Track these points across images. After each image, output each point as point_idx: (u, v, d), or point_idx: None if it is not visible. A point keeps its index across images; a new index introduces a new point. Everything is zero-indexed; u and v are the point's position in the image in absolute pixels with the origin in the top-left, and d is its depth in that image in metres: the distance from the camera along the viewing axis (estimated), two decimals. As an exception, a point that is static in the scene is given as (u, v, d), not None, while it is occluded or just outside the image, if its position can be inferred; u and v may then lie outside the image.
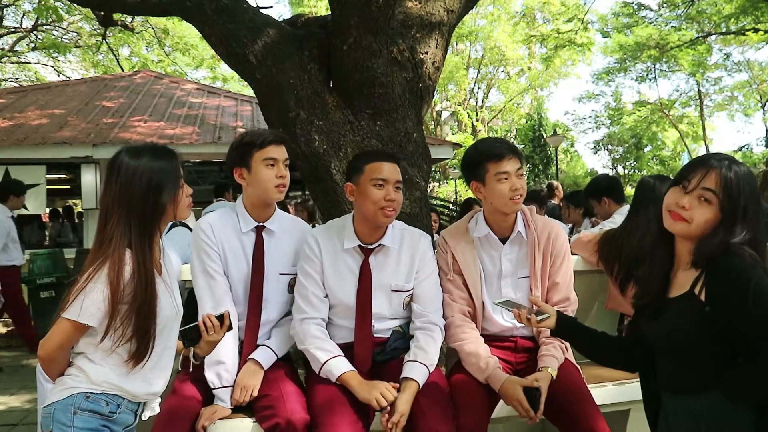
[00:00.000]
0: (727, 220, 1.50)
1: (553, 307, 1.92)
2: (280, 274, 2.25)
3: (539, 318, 1.85)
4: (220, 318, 1.90)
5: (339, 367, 2.07)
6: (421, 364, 2.09)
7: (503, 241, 2.29)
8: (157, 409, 1.85)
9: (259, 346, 2.21)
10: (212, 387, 2.10)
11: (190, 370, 2.02)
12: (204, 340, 1.90)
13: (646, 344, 1.67)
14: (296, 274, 2.28)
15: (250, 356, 2.15)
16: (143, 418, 1.81)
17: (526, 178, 2.26)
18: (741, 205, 1.50)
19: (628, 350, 1.76)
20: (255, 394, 2.09)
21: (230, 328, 1.93)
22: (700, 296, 1.48)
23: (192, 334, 1.89)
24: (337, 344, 2.21)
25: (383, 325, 2.23)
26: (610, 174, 5.40)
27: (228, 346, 2.10)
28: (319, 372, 2.10)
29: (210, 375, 2.10)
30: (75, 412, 1.64)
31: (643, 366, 1.71)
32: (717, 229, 1.51)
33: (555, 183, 7.78)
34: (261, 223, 2.23)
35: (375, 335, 2.22)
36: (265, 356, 2.16)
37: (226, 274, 2.19)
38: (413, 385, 2.03)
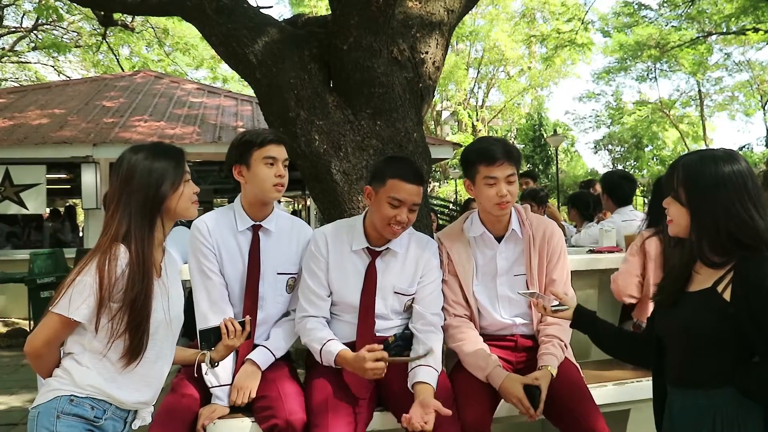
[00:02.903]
0: (690, 214, 1.55)
1: (573, 300, 1.95)
2: (278, 273, 2.24)
3: (554, 308, 1.88)
4: (242, 324, 1.90)
5: (332, 350, 2.07)
6: (432, 368, 2.09)
7: (499, 239, 2.30)
8: (149, 419, 1.80)
9: (256, 345, 2.20)
10: (209, 386, 2.10)
11: (205, 374, 2.04)
12: (222, 344, 1.88)
13: (660, 340, 1.68)
14: (295, 274, 2.28)
15: (247, 357, 2.14)
16: (133, 427, 1.76)
17: (517, 183, 2.25)
18: (695, 200, 1.53)
19: (645, 345, 1.77)
20: (253, 395, 2.08)
21: (249, 335, 1.93)
22: (723, 295, 1.49)
23: (211, 335, 1.88)
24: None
25: (385, 325, 2.24)
26: (624, 173, 5.28)
27: None
28: (321, 360, 2.11)
29: (207, 374, 2.09)
30: (58, 416, 1.58)
31: (655, 362, 1.71)
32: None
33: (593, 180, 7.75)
34: (258, 222, 2.23)
35: (377, 334, 2.22)
36: (262, 357, 2.16)
37: (222, 273, 2.18)
38: (428, 389, 2.03)
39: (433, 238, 2.50)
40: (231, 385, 2.11)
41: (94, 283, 1.57)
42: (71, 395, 1.61)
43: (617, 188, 3.98)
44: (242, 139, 2.20)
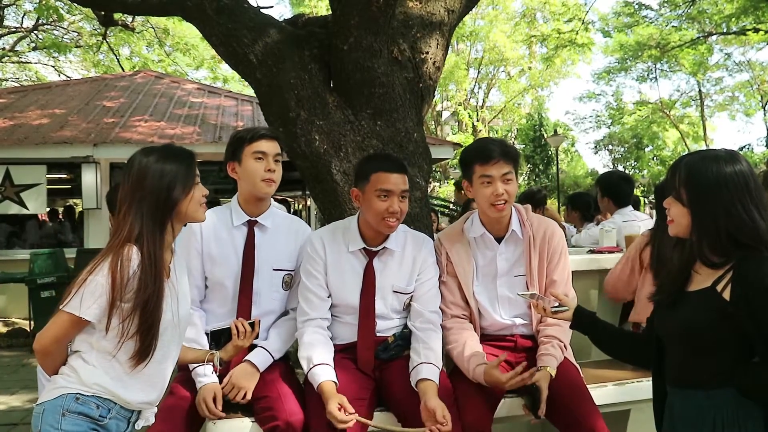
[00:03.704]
0: (691, 214, 1.54)
1: (572, 301, 1.95)
2: (274, 269, 2.24)
3: (554, 309, 1.88)
4: (251, 324, 1.92)
5: (316, 378, 2.03)
6: (434, 365, 2.09)
7: (499, 240, 2.29)
8: (152, 420, 1.80)
9: (253, 345, 2.19)
10: (191, 369, 2.07)
11: (217, 374, 2.04)
12: (232, 344, 1.90)
13: (660, 340, 1.68)
14: (291, 271, 2.28)
15: (246, 358, 2.13)
16: (137, 427, 1.76)
17: (519, 180, 2.25)
18: (697, 200, 1.53)
19: (645, 346, 1.77)
20: (248, 397, 2.07)
21: (257, 336, 1.96)
22: (722, 294, 1.49)
23: (221, 336, 1.90)
24: (340, 344, 2.22)
25: (384, 325, 2.24)
26: (622, 174, 5.23)
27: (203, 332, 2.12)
28: (306, 377, 2.10)
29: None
30: (63, 414, 1.59)
31: (655, 362, 1.71)
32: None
33: None
34: (253, 218, 2.25)
35: (377, 334, 2.22)
36: (261, 358, 2.15)
37: (211, 271, 2.19)
38: (432, 386, 2.03)
39: (433, 238, 2.50)
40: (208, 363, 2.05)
41: (106, 284, 1.58)
42: (77, 393, 1.62)
43: (618, 189, 3.99)
44: (235, 137, 2.24)
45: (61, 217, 10.86)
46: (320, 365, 2.06)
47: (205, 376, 2.06)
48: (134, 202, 1.65)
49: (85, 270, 1.62)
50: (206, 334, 2.12)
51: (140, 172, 1.67)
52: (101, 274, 1.59)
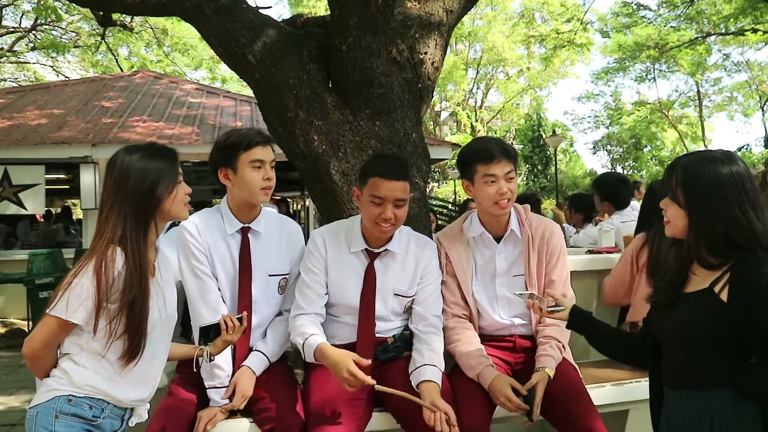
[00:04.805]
0: (688, 216, 1.54)
1: (570, 301, 1.95)
2: (270, 275, 2.22)
3: (550, 308, 1.89)
4: (239, 319, 1.92)
5: (313, 343, 2.02)
6: (437, 368, 2.09)
7: (498, 240, 2.29)
8: (146, 416, 1.81)
9: (252, 349, 2.18)
10: (207, 386, 2.07)
11: (203, 371, 2.03)
12: (221, 339, 1.91)
13: (657, 341, 1.68)
14: (286, 275, 2.26)
15: (243, 363, 2.12)
16: (130, 424, 1.77)
17: (518, 180, 2.25)
18: (693, 201, 1.53)
19: (642, 347, 1.77)
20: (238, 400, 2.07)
21: (246, 330, 1.96)
22: (720, 295, 1.49)
23: (210, 331, 1.90)
24: (339, 344, 2.20)
25: (385, 326, 2.24)
26: (619, 176, 5.14)
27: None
28: (304, 355, 2.08)
29: (205, 374, 2.08)
30: (57, 416, 1.59)
31: (653, 363, 1.71)
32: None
33: (639, 182, 7.76)
34: (246, 225, 2.19)
35: (376, 335, 2.22)
36: (258, 363, 2.14)
37: (214, 276, 2.15)
38: (436, 387, 2.02)
39: (432, 238, 2.50)
40: (227, 387, 2.09)
41: (91, 286, 1.58)
42: (69, 395, 1.62)
43: (616, 194, 4.00)
44: (227, 141, 2.14)
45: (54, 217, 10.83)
46: (316, 335, 2.05)
47: (216, 402, 2.06)
48: (116, 202, 1.65)
49: (70, 273, 1.62)
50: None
51: (123, 171, 1.67)
52: (86, 277, 1.59)
